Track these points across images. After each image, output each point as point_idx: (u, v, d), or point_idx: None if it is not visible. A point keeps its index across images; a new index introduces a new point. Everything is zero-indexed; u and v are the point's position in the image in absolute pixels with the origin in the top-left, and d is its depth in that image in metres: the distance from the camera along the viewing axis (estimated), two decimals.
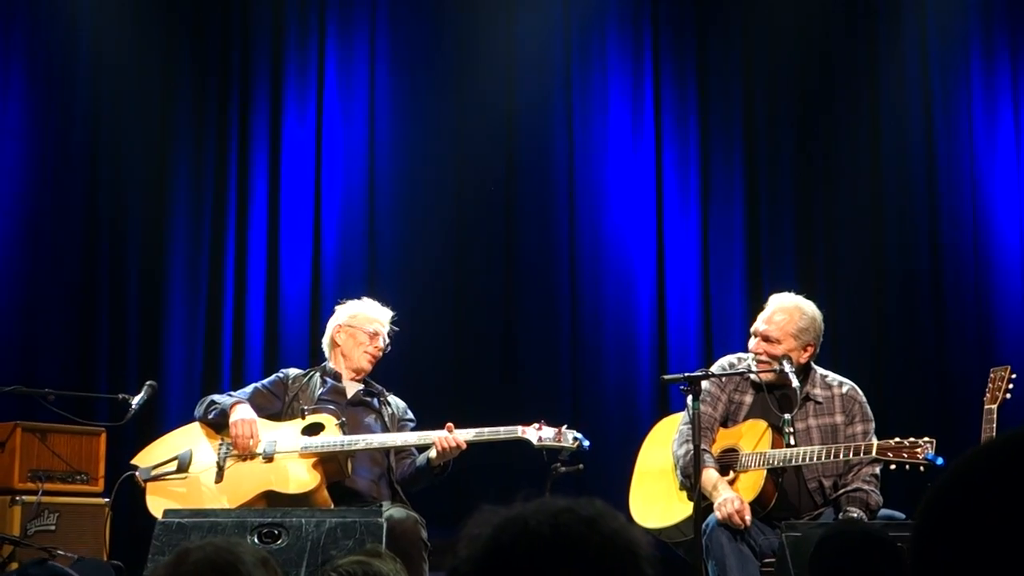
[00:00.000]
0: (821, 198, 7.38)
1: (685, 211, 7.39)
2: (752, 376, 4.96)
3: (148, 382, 5.36)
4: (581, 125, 7.46)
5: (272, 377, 5.35)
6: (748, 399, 4.98)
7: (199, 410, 5.17)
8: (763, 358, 4.90)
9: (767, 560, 4.61)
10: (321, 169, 7.37)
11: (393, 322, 5.41)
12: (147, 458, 5.08)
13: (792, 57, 7.46)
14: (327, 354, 5.38)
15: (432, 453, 4.96)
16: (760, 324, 4.97)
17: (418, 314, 7.06)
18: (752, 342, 4.97)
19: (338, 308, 5.45)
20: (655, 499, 5.03)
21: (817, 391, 4.95)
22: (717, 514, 4.63)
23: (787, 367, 4.84)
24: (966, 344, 7.02)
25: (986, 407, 5.04)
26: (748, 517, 4.63)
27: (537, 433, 4.92)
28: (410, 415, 5.34)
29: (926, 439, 4.52)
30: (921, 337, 7.12)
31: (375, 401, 5.29)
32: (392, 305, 5.48)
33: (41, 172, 7.09)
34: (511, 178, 7.47)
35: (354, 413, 5.18)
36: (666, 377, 5.11)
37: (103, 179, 7.21)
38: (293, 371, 5.36)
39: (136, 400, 5.24)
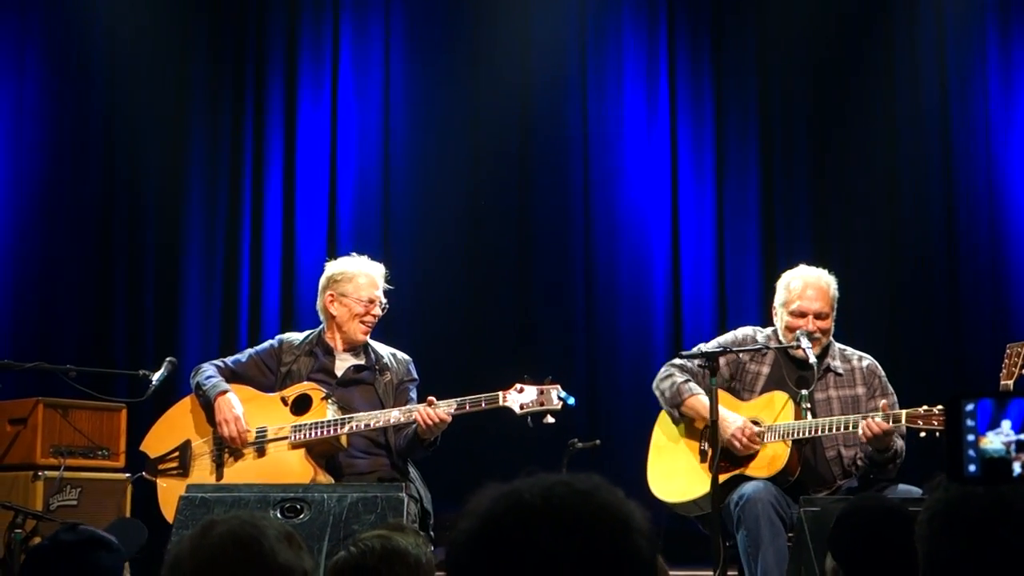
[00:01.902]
0: (836, 175, 7.38)
1: (700, 187, 7.39)
2: (785, 351, 5.00)
3: (168, 358, 5.39)
4: (596, 102, 7.47)
5: (266, 345, 5.22)
6: (765, 369, 5.02)
7: (192, 381, 5.12)
8: (817, 335, 4.95)
9: (790, 534, 4.64)
10: (336, 146, 7.39)
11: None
12: (153, 445, 5.09)
13: (807, 33, 7.44)
14: (322, 321, 5.19)
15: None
16: (805, 304, 4.98)
17: (432, 292, 7.09)
18: (807, 323, 4.96)
19: (328, 268, 5.21)
20: (674, 474, 5.05)
21: (837, 363, 5.01)
22: (737, 444, 4.72)
23: (804, 343, 4.89)
24: (981, 320, 7.02)
25: (1002, 383, 5.02)
26: (753, 429, 4.75)
27: (518, 399, 4.79)
28: (413, 374, 5.16)
29: None
30: (936, 313, 7.12)
31: (367, 374, 5.12)
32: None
33: (58, 152, 7.13)
34: (526, 156, 7.48)
35: (344, 393, 5.06)
36: (683, 353, 5.13)
37: (119, 158, 7.25)
38: (288, 338, 5.21)
39: (156, 376, 5.28)
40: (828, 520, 3.82)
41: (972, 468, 1.45)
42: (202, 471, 4.98)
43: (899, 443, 4.76)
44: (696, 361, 5.01)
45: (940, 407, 4.58)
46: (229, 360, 5.20)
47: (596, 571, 1.30)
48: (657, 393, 5.11)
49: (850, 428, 4.74)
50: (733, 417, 4.84)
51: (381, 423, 4.92)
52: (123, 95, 7.27)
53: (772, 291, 7.05)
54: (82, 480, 5.38)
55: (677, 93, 7.46)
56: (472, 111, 7.47)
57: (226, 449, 4.99)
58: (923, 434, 4.63)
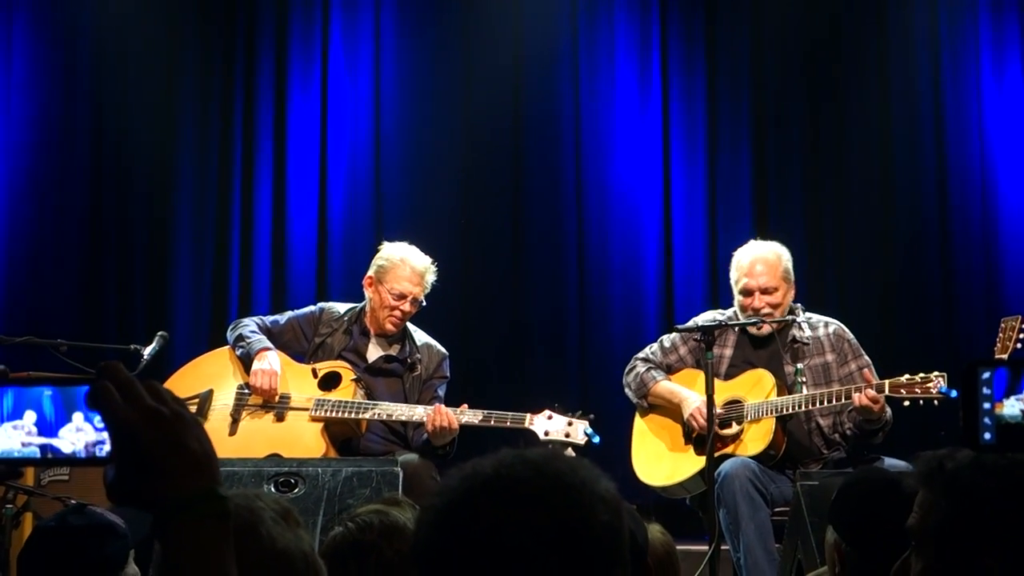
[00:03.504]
0: (829, 150, 7.35)
1: (692, 162, 7.36)
2: (743, 330, 5.02)
3: (160, 333, 5.34)
4: (588, 77, 7.43)
5: (307, 311, 5.22)
6: (728, 351, 5.05)
7: (230, 335, 5.12)
8: (766, 311, 4.95)
9: (778, 508, 4.66)
10: (327, 123, 7.35)
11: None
12: (175, 387, 5.04)
13: (801, 8, 7.41)
14: (366, 297, 5.18)
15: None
16: (751, 281, 5.00)
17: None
18: (752, 300, 4.97)
19: (382, 248, 5.20)
20: (659, 458, 5.08)
21: (803, 333, 5.00)
22: (695, 423, 4.77)
23: (801, 317, 4.91)
24: (974, 295, 7.02)
25: (996, 357, 5.04)
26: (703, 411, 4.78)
27: (545, 425, 4.77)
28: (445, 371, 5.13)
29: (936, 373, 4.57)
30: (929, 288, 7.11)
31: (397, 367, 5.10)
32: None
33: (47, 125, 7.10)
34: (518, 131, 7.45)
35: (370, 380, 5.05)
36: (679, 327, 5.14)
37: (108, 131, 7.23)
38: (330, 308, 5.19)
39: (148, 351, 5.22)
40: (824, 494, 3.82)
41: (988, 436, 1.43)
42: (218, 422, 4.94)
43: (887, 412, 4.76)
44: (692, 336, 5.05)
45: (922, 375, 4.59)
46: (268, 320, 5.18)
47: (549, 539, 1.30)
48: (626, 389, 5.17)
49: (832, 402, 4.74)
50: (693, 397, 4.92)
51: (404, 417, 4.91)
52: (111, 68, 7.24)
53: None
54: None
55: (669, 68, 7.42)
56: (464, 87, 7.44)
57: (247, 407, 4.95)
58: (907, 403, 4.63)
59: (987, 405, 1.42)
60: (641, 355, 5.22)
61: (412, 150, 7.37)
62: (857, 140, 7.31)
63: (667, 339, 5.20)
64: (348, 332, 5.11)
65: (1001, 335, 5.04)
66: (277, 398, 4.93)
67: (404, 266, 5.05)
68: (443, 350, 5.19)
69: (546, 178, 7.39)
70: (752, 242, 5.18)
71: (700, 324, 4.95)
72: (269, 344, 5.02)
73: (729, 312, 5.13)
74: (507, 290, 7.32)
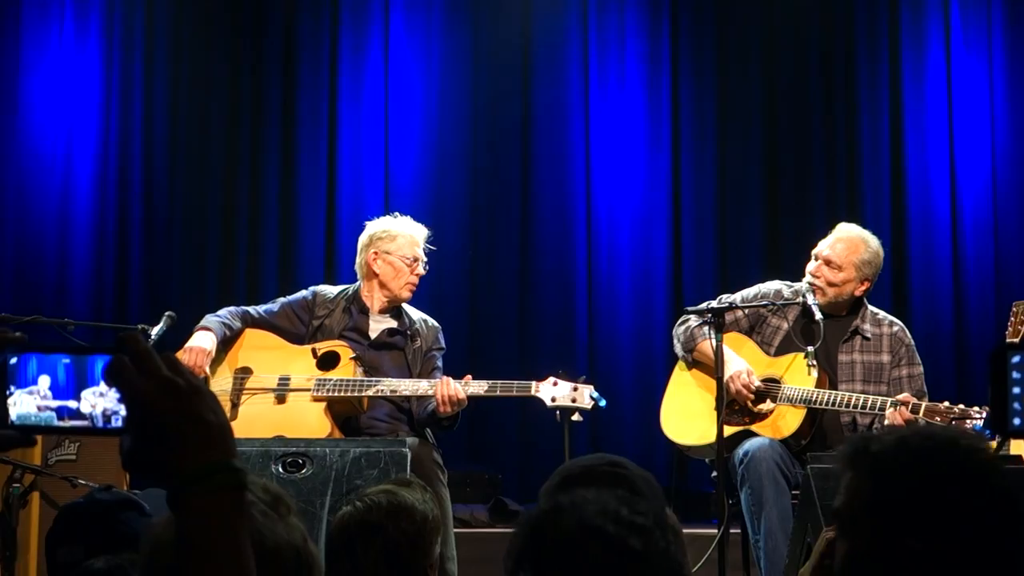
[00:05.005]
0: (842, 134, 7.33)
1: (702, 144, 7.34)
2: (796, 305, 4.95)
3: (167, 312, 5.31)
4: (598, 61, 7.40)
5: (299, 296, 5.18)
6: (785, 325, 4.98)
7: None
8: (819, 283, 4.90)
9: (794, 492, 4.61)
10: (336, 104, 7.33)
11: (428, 241, 5.17)
12: None
13: None
14: (359, 279, 5.13)
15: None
16: (824, 248, 4.95)
17: (433, 251, 7.03)
18: (812, 265, 4.95)
19: (370, 226, 5.16)
20: (690, 415, 4.99)
21: (867, 326, 4.95)
22: (732, 387, 4.71)
23: (810, 299, 4.84)
24: (984, 277, 6.99)
25: (1007, 341, 5.00)
26: (754, 384, 4.75)
27: (551, 391, 4.74)
28: (441, 342, 5.14)
29: (976, 409, 4.48)
30: (939, 274, 7.08)
31: (400, 339, 5.08)
32: None
33: (54, 106, 7.10)
34: (527, 113, 7.44)
35: (375, 356, 5.01)
36: (689, 309, 5.10)
37: (114, 113, 7.22)
38: (323, 290, 5.17)
39: (155, 330, 5.19)
40: (835, 478, 3.80)
41: (1018, 421, 1.40)
42: None
43: (921, 423, 4.69)
44: (699, 318, 5.00)
45: (962, 407, 4.51)
46: (262, 308, 5.14)
47: (621, 528, 1.41)
48: (674, 338, 5.11)
49: (868, 408, 4.67)
50: (738, 362, 4.84)
51: (408, 392, 4.88)
52: (116, 46, 7.23)
53: (774, 249, 7.10)
54: None
55: (680, 49, 7.40)
56: (474, 69, 7.43)
57: (246, 391, 4.94)
58: None
59: (1017, 390, 1.39)
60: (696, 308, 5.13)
61: (421, 131, 7.36)
62: (868, 124, 7.28)
63: (728, 297, 5.09)
64: (347, 311, 5.08)
65: (1013, 319, 5.01)
66: (273, 381, 4.91)
67: (406, 234, 5.10)
68: (436, 323, 5.20)
69: (556, 161, 7.37)
70: (856, 225, 5.10)
71: (712, 306, 4.88)
72: (209, 324, 4.98)
73: (798, 285, 5.02)
74: (516, 274, 7.30)
